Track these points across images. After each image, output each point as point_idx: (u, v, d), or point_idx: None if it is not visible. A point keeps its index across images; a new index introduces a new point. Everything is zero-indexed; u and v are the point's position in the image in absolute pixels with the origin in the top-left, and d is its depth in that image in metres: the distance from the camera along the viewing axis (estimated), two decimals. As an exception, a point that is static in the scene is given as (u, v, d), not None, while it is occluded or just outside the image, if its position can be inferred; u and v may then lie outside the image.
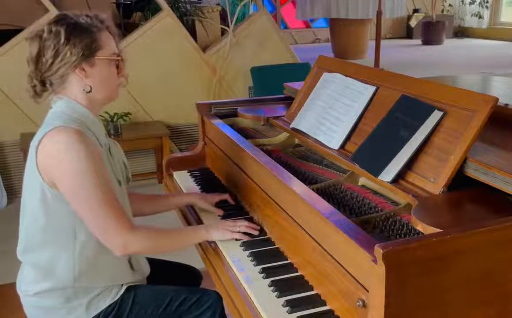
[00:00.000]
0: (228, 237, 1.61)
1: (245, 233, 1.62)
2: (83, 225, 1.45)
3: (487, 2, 10.03)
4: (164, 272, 1.80)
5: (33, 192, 1.45)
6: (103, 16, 1.53)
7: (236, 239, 1.61)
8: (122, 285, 1.56)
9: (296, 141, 2.05)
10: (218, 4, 6.18)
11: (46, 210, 1.44)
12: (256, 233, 1.63)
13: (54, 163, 1.40)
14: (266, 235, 1.64)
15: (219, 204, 1.87)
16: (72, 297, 1.49)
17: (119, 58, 1.54)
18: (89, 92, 1.48)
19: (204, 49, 4.82)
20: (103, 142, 1.55)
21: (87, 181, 1.39)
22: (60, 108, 1.48)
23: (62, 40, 1.43)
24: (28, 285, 1.53)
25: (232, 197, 1.89)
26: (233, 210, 1.83)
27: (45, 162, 1.41)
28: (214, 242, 1.65)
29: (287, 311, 1.27)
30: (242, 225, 1.64)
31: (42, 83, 1.48)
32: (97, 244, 1.47)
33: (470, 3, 10.27)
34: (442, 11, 10.39)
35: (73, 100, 1.49)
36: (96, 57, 1.47)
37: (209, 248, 1.67)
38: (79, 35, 1.44)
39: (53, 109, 1.50)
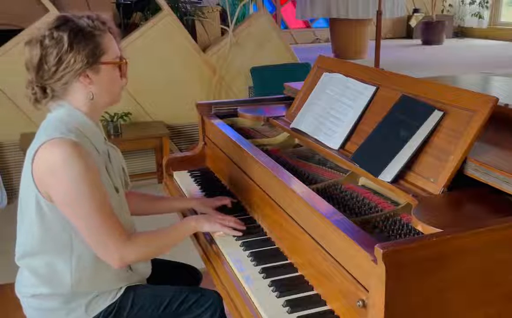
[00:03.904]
0: (218, 229, 1.63)
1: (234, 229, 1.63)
2: (79, 236, 1.44)
3: (487, 2, 10.02)
4: (164, 272, 1.80)
5: (29, 202, 1.43)
6: (105, 17, 1.48)
7: (236, 239, 1.61)
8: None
9: (296, 141, 2.05)
10: (218, 4, 6.18)
11: (42, 221, 1.43)
12: (243, 228, 1.65)
13: (50, 176, 1.37)
14: (266, 235, 1.64)
15: (220, 207, 1.86)
16: (71, 299, 1.49)
17: (124, 61, 1.51)
18: (93, 98, 1.45)
19: (204, 49, 4.82)
20: (102, 150, 1.51)
21: (82, 197, 1.37)
22: (59, 115, 1.44)
23: (66, 46, 1.37)
24: (26, 288, 1.52)
25: (232, 198, 1.89)
26: (233, 212, 1.83)
27: (40, 174, 1.38)
28: (214, 242, 1.65)
29: (287, 311, 1.27)
30: (230, 220, 1.65)
31: (43, 90, 1.43)
32: (94, 254, 1.46)
33: (470, 3, 10.26)
34: (442, 11, 10.38)
35: (74, 107, 1.45)
36: (100, 63, 1.43)
37: (209, 248, 1.67)
38: (83, 41, 1.39)
39: (52, 114, 1.46)
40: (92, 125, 1.49)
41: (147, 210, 1.87)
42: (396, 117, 1.53)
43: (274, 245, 1.58)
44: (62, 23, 1.41)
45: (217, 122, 2.19)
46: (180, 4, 5.24)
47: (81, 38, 1.40)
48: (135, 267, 1.59)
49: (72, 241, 1.45)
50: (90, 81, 1.43)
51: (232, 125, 2.18)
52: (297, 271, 1.44)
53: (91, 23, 1.43)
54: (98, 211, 1.39)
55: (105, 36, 1.45)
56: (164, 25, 4.51)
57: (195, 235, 1.78)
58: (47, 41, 1.39)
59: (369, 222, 1.36)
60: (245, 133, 2.15)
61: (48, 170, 1.37)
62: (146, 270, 1.66)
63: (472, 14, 10.28)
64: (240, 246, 1.59)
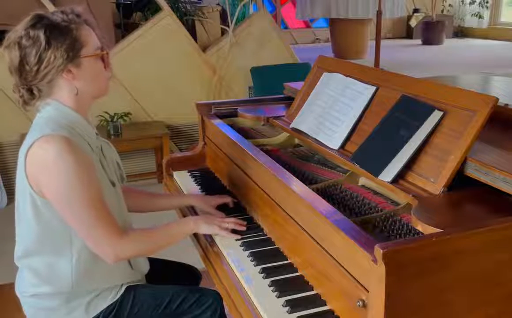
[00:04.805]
0: (216, 232, 1.62)
1: (233, 231, 1.63)
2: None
3: (487, 2, 10.03)
4: (164, 272, 1.80)
5: (25, 201, 1.43)
6: (79, 9, 1.46)
7: (236, 239, 1.62)
8: (122, 285, 1.55)
9: (296, 141, 2.05)
10: (218, 4, 6.18)
11: (39, 220, 1.43)
12: (243, 229, 1.64)
13: (42, 173, 1.37)
14: (266, 235, 1.64)
15: (220, 206, 1.87)
16: (71, 298, 1.49)
17: (104, 52, 1.49)
18: (78, 93, 1.44)
19: (204, 49, 4.82)
20: (94, 145, 1.51)
21: (74, 193, 1.37)
22: (48, 113, 1.44)
23: (43, 44, 1.36)
24: (26, 288, 1.52)
25: (232, 197, 1.89)
26: (233, 212, 1.83)
27: (33, 171, 1.38)
28: (214, 241, 1.65)
29: (287, 311, 1.27)
30: (230, 221, 1.65)
31: (29, 92, 1.43)
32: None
33: (470, 3, 10.27)
34: (442, 11, 10.39)
35: (62, 104, 1.44)
36: (81, 57, 1.42)
37: (209, 248, 1.67)
38: (60, 37, 1.38)
39: (41, 114, 1.45)
40: (82, 120, 1.48)
41: (146, 207, 1.86)
42: (396, 117, 1.53)
43: (274, 245, 1.58)
44: (37, 21, 1.39)
45: (217, 122, 2.19)
46: (180, 4, 5.24)
47: (57, 33, 1.38)
48: (135, 263, 1.60)
49: (71, 238, 1.45)
50: (73, 76, 1.42)
51: (232, 125, 2.18)
52: (297, 271, 1.44)
53: (66, 17, 1.42)
54: (91, 206, 1.39)
55: (82, 28, 1.43)
56: (164, 25, 4.51)
57: (195, 235, 1.78)
58: (24, 41, 1.38)
59: (369, 222, 1.36)
60: (245, 133, 2.15)
61: (40, 167, 1.37)
62: (145, 266, 1.66)
63: (472, 14, 10.29)
64: (240, 246, 1.59)
